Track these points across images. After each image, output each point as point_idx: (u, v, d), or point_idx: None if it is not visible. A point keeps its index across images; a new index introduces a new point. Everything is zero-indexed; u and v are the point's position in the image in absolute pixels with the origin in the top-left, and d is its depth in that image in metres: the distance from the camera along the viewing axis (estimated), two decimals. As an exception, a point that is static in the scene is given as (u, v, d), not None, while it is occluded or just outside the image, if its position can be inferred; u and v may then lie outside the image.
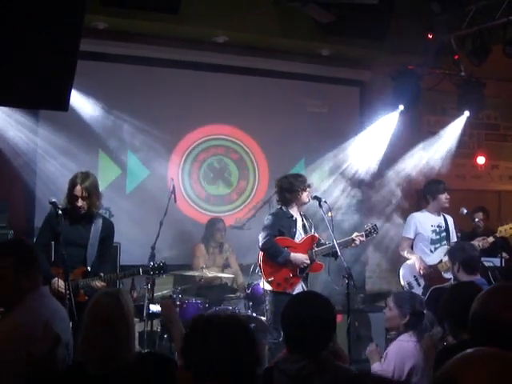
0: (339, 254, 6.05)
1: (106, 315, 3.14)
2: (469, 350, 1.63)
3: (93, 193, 5.65)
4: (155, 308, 3.84)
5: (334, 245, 6.15)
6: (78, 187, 5.56)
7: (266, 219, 6.57)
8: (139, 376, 3.10)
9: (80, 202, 5.58)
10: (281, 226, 6.47)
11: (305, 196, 6.47)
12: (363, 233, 6.58)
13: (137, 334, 7.18)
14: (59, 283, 5.37)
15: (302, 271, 6.44)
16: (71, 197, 5.60)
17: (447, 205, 7.27)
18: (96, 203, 5.70)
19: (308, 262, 6.41)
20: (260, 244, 6.42)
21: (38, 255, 3.60)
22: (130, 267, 7.28)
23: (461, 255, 5.44)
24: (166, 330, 3.93)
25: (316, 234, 6.61)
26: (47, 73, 3.30)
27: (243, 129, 9.01)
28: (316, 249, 6.49)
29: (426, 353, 4.30)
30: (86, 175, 5.67)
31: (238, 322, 2.26)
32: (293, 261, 6.36)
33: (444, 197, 7.24)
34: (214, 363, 2.08)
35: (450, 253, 5.85)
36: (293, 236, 6.51)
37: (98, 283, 5.55)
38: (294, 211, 6.55)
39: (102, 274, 5.63)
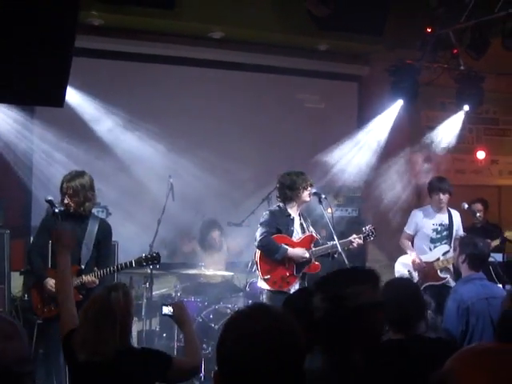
0: (343, 255, 5.96)
1: (94, 310, 3.36)
2: (468, 346, 1.58)
3: (79, 192, 5.55)
4: (167, 310, 3.81)
5: (333, 245, 6.12)
6: (64, 184, 5.56)
7: (263, 216, 6.44)
8: (118, 370, 3.28)
9: (66, 200, 5.56)
10: (278, 223, 6.34)
11: (306, 194, 6.35)
12: (361, 235, 6.42)
13: (135, 333, 7.15)
14: (51, 282, 5.40)
15: (298, 270, 6.29)
16: (61, 193, 5.60)
17: (442, 205, 7.19)
18: (84, 203, 5.61)
19: (307, 255, 6.26)
20: (256, 241, 6.29)
21: None
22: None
23: (472, 249, 5.34)
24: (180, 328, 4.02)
25: (314, 234, 6.47)
26: (42, 69, 3.27)
27: (239, 125, 8.88)
28: (314, 249, 6.35)
29: None
30: (76, 174, 5.64)
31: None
32: (292, 256, 6.22)
33: (438, 198, 7.16)
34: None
35: (460, 242, 5.76)
36: (290, 235, 6.36)
37: (89, 277, 5.48)
38: (293, 210, 6.42)
39: (95, 269, 5.58)
